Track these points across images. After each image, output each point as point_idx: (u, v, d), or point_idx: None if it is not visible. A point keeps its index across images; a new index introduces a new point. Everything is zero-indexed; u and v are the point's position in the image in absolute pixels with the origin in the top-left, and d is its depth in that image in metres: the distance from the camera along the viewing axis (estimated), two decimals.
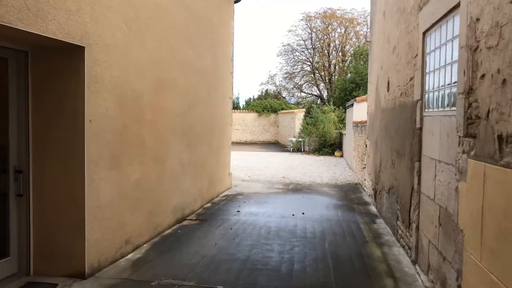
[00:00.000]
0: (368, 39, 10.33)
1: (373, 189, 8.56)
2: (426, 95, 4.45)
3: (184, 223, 6.64)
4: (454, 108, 3.47)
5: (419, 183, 4.63)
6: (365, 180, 10.33)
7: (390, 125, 6.60)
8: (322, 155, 21.14)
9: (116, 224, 4.76)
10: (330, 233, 6.22)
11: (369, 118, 9.91)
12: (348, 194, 9.76)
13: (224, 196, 9.03)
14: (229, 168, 10.14)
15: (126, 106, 4.92)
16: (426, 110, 4.43)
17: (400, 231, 5.60)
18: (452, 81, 3.57)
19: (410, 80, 5.17)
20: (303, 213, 7.44)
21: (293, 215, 7.32)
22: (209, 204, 8.11)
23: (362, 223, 6.85)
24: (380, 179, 7.55)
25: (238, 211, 7.57)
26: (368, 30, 44.63)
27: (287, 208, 7.94)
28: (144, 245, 5.39)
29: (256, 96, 44.53)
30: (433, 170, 4.08)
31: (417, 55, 4.77)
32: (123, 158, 4.88)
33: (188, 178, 7.04)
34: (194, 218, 6.96)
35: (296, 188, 10.52)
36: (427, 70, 4.44)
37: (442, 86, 3.86)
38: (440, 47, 3.97)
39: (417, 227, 4.65)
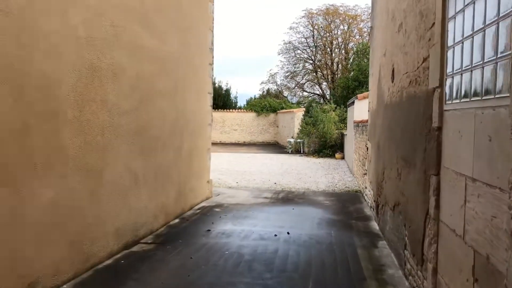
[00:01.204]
0: (369, 25, 8.88)
1: (374, 201, 7.15)
2: (449, 80, 3.04)
3: (135, 248, 5.25)
4: (503, 95, 2.08)
5: (437, 207, 3.22)
6: (366, 188, 8.92)
7: (395, 125, 5.20)
8: (322, 157, 19.72)
9: (8, 264, 3.38)
10: (318, 263, 4.82)
11: (370, 116, 8.50)
12: (346, 205, 8.35)
13: (198, 209, 7.64)
14: (209, 175, 8.76)
15: (29, 97, 3.55)
16: (449, 101, 3.02)
17: (409, 265, 4.19)
18: (499, 51, 2.17)
19: (423, 61, 3.76)
20: (288, 233, 6.04)
21: (275, 235, 5.92)
22: (176, 221, 6.72)
23: (360, 248, 5.44)
24: (383, 191, 6.14)
25: (209, 230, 6.18)
26: None
27: (270, 225, 6.54)
28: (64, 286, 4.01)
29: (257, 96, 43.12)
30: (461, 192, 2.68)
31: (433, 24, 3.37)
32: (24, 171, 3.50)
33: (144, 191, 5.67)
34: (150, 242, 5.57)
35: (287, 198, 9.11)
36: (449, 43, 3.03)
37: (478, 62, 2.46)
38: (473, 2, 2.56)
39: (435, 270, 3.24)
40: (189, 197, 7.51)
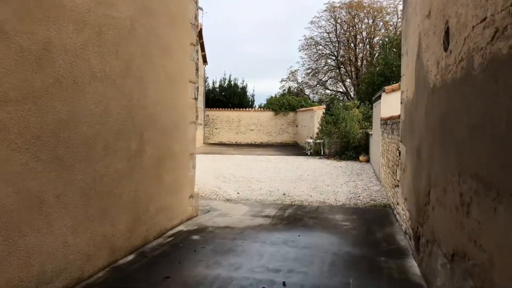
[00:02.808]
0: None
1: (412, 228, 5.05)
2: None
3: None
4: None
5: None
6: (398, 204, 6.80)
7: (455, 117, 3.11)
8: (344, 159, 17.55)
9: None
10: None
11: (404, 110, 6.37)
12: (371, 229, 6.25)
13: (171, 237, 5.69)
14: (193, 188, 6.80)
15: None
16: None
17: None
18: None
19: None
20: (284, 284, 4.01)
21: None
22: (130, 258, 4.78)
23: None
24: (428, 219, 4.04)
25: (167, 277, 4.19)
26: (399, 20, 40.37)
27: (260, 267, 4.52)
28: None
29: (278, 95, 41.01)
30: None
31: None
32: None
33: (60, 221, 3.74)
34: None
35: (295, 216, 7.07)
36: None
37: None
38: None
39: None
40: (158, 220, 5.57)
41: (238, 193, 9.52)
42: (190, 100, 6.55)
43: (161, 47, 5.58)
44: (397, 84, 12.02)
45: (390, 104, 11.31)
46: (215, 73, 76.41)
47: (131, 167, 4.88)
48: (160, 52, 5.53)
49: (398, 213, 6.81)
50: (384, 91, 11.86)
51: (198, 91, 6.82)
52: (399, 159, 6.79)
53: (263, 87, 64.36)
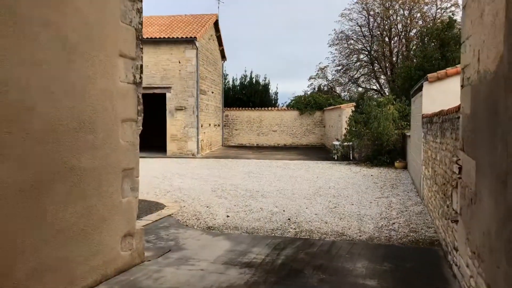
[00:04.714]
0: None
1: None
2: None
3: None
4: None
5: None
6: (457, 251, 4.18)
7: None
8: (376, 165, 14.78)
9: None
10: None
11: (471, 96, 3.71)
12: None
13: None
14: (132, 222, 4.42)
15: None
16: None
17: None
18: None
19: None
20: None
21: None
22: None
23: None
24: None
25: None
26: (438, 10, 36.86)
27: None
28: None
29: (307, 94, 38.19)
30: None
31: None
32: None
33: None
34: None
35: (292, 264, 4.55)
36: None
37: None
38: None
39: None
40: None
41: (228, 216, 7.08)
42: (120, 84, 4.17)
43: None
44: (444, 70, 9.26)
45: (435, 97, 8.59)
46: (236, 71, 74.02)
47: None
48: (56, 6, 3.18)
49: (456, 265, 4.19)
50: (426, 79, 9.12)
51: (141, 71, 4.43)
52: (459, 177, 4.17)
53: (289, 87, 61.38)
